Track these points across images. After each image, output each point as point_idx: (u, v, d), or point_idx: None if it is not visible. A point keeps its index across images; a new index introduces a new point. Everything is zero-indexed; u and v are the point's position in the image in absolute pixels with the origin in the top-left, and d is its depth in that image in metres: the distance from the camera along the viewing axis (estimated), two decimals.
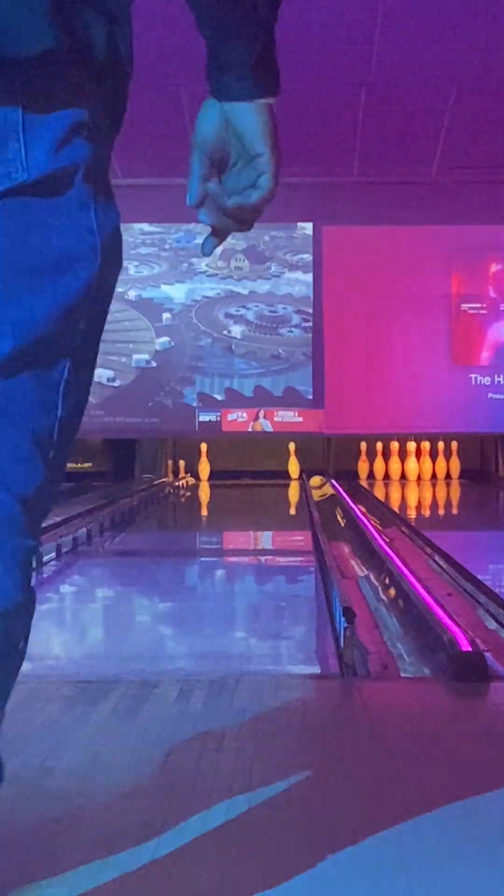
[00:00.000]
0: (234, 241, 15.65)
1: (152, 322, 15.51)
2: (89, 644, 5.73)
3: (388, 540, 8.14)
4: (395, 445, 16.03)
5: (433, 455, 16.12)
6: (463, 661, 3.90)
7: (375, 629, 5.24)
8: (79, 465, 16.13)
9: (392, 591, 6.26)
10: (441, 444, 16.07)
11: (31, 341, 1.49)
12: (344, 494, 12.30)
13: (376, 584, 6.76)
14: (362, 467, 16.10)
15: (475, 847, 2.38)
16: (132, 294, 15.48)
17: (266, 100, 1.64)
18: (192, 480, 15.96)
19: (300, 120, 12.01)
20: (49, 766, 2.91)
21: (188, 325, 15.52)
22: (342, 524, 10.32)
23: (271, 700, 3.55)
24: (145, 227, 15.50)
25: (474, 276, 15.29)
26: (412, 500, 14.08)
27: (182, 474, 15.99)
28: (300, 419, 15.24)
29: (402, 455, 16.09)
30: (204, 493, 15.30)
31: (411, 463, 16.10)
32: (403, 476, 16.01)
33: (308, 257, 15.52)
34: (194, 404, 15.39)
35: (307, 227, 15.41)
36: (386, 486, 15.49)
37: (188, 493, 15.12)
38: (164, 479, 15.68)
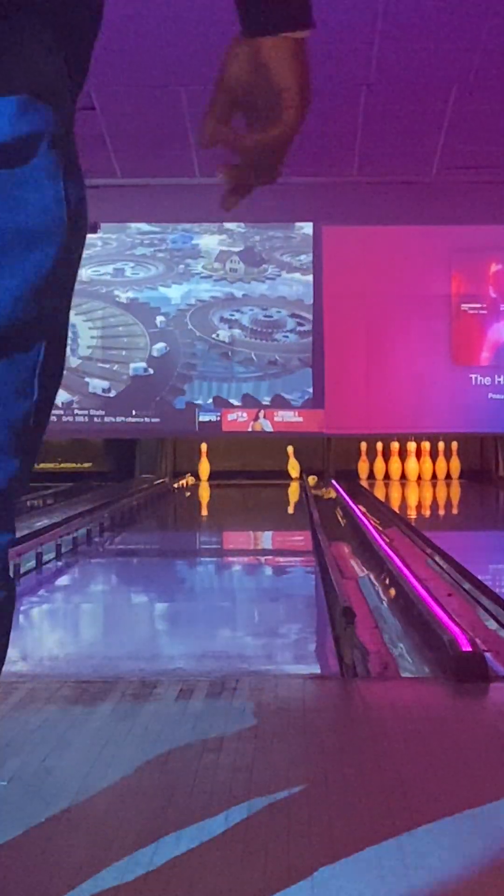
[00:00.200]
0: (231, 241, 15.65)
1: (147, 328, 15.52)
2: (89, 644, 5.73)
3: (388, 540, 8.14)
4: (395, 445, 16.04)
5: (433, 455, 16.13)
6: (463, 661, 3.90)
7: (375, 629, 5.24)
8: (79, 465, 16.14)
9: (392, 591, 6.26)
10: (441, 444, 16.07)
11: (4, 325, 1.41)
12: (344, 494, 12.30)
13: (376, 584, 6.75)
14: (362, 467, 16.10)
15: (477, 846, 2.38)
16: (128, 296, 15.48)
17: (296, 33, 1.54)
18: (192, 480, 15.96)
19: None
20: (49, 766, 2.91)
21: (183, 331, 15.53)
22: (342, 524, 10.32)
23: (271, 700, 3.55)
24: (144, 226, 15.50)
25: (474, 276, 15.29)
26: (412, 500, 14.08)
27: (184, 480, 16.00)
28: (300, 419, 15.25)
29: (402, 455, 16.10)
30: (204, 492, 15.31)
31: (411, 463, 16.10)
32: (403, 476, 16.02)
33: (307, 258, 15.52)
34: (194, 404, 15.40)
35: (307, 227, 15.41)
36: (386, 486, 15.50)
37: (188, 493, 15.13)
38: (163, 479, 15.68)
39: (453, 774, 2.86)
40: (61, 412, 14.89)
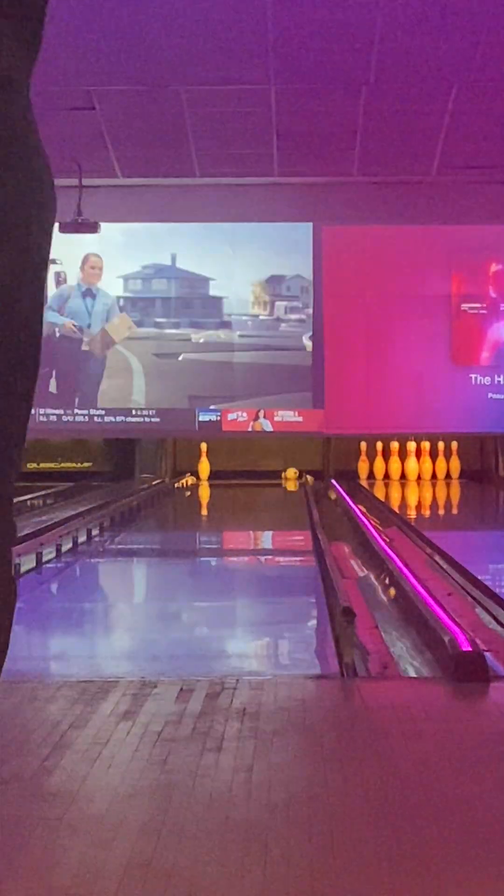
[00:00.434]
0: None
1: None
2: (89, 644, 5.73)
3: (388, 540, 8.13)
4: (395, 445, 16.04)
5: (433, 455, 16.13)
6: (463, 661, 3.90)
7: (375, 629, 5.24)
8: (79, 465, 16.13)
9: (392, 591, 6.25)
10: (441, 444, 16.08)
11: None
12: (344, 494, 12.30)
13: (376, 584, 6.75)
14: (362, 467, 16.10)
15: (476, 845, 2.38)
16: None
17: None
18: (192, 480, 15.96)
19: (300, 120, 12.02)
20: (49, 766, 2.91)
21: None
22: (342, 524, 10.32)
23: (271, 700, 3.55)
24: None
25: (474, 276, 15.29)
26: (412, 500, 14.08)
27: (184, 480, 15.99)
28: (300, 419, 15.24)
29: (402, 455, 16.10)
30: (204, 492, 15.31)
31: (411, 463, 16.10)
32: (403, 476, 16.02)
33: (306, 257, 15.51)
34: (194, 405, 15.39)
35: (307, 227, 15.40)
36: (386, 486, 15.50)
37: (188, 493, 15.13)
38: (161, 480, 15.68)
39: (453, 774, 2.86)
40: (61, 412, 14.89)
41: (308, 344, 15.30)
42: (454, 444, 16.11)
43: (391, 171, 14.11)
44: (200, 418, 15.25)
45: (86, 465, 16.20)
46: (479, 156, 13.38)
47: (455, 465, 16.16)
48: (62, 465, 15.93)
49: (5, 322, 1.41)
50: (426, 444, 16.11)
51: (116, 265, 15.25)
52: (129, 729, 3.25)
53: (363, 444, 16.07)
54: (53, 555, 7.96)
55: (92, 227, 13.40)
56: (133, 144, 12.36)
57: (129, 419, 15.18)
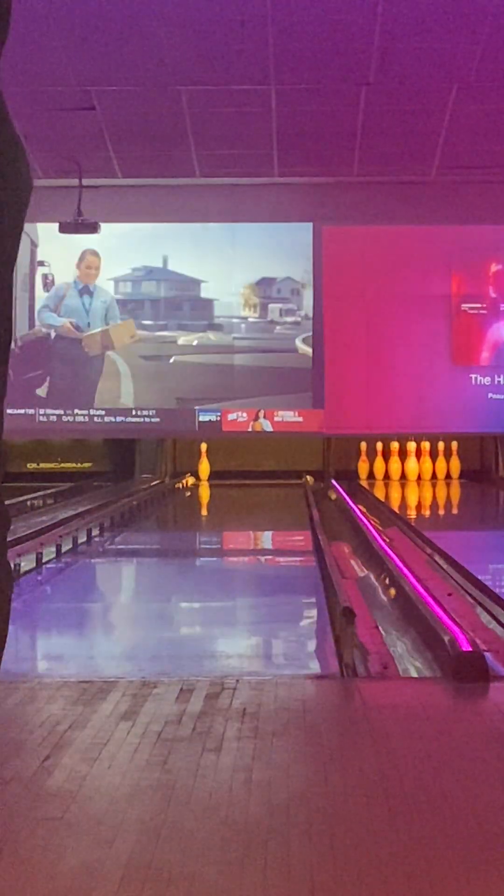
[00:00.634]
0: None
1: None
2: (89, 644, 5.73)
3: (388, 540, 8.13)
4: (395, 445, 16.04)
5: (433, 455, 16.13)
6: (463, 661, 3.90)
7: (375, 629, 5.24)
8: (79, 465, 16.13)
9: (392, 591, 6.25)
10: (441, 444, 16.08)
11: None
12: (344, 494, 12.30)
13: (376, 584, 6.75)
14: (362, 467, 16.10)
15: (476, 845, 2.38)
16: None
17: None
18: (192, 480, 15.96)
19: (300, 120, 12.02)
20: (49, 766, 2.91)
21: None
22: (342, 524, 10.32)
23: (271, 700, 3.55)
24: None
25: (474, 276, 15.29)
26: (412, 500, 14.08)
27: (184, 480, 15.99)
28: (300, 419, 15.24)
29: (402, 455, 16.10)
30: (204, 492, 15.31)
31: (411, 463, 16.10)
32: (403, 476, 16.02)
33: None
34: (194, 406, 15.39)
35: (307, 227, 15.40)
36: (386, 486, 15.50)
37: (188, 493, 15.13)
38: (160, 480, 15.67)
39: (453, 774, 2.86)
40: (61, 412, 14.89)
41: (301, 347, 15.28)
42: (454, 445, 16.11)
43: (391, 172, 14.11)
44: (200, 418, 15.25)
45: (86, 465, 16.19)
46: (479, 156, 13.38)
47: (455, 465, 16.16)
48: (62, 465, 15.93)
49: None
50: (426, 445, 16.11)
51: (113, 267, 15.23)
52: (129, 729, 3.25)
53: (363, 445, 16.07)
54: (53, 555, 7.96)
55: (92, 228, 13.39)
56: (133, 144, 12.36)
57: (129, 419, 15.17)
